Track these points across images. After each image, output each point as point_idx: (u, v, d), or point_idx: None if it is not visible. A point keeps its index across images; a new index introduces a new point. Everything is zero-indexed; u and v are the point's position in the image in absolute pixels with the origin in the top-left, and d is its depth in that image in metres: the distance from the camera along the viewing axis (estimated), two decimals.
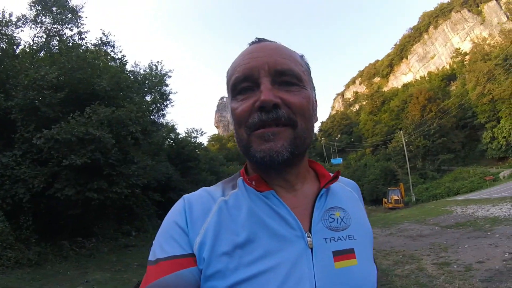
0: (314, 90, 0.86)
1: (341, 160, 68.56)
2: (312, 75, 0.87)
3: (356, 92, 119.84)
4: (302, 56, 0.85)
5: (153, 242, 0.75)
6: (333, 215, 0.79)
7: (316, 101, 0.88)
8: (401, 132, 45.95)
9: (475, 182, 32.67)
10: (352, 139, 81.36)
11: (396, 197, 33.58)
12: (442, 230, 12.49)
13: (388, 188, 37.68)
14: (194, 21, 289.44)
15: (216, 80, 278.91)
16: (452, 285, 5.70)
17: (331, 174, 0.86)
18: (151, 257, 0.72)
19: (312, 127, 0.83)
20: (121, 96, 13.18)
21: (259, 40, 0.80)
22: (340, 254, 0.74)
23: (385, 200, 35.91)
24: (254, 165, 0.81)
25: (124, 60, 17.22)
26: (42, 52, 16.91)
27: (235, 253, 0.70)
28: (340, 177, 0.89)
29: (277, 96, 0.72)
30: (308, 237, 0.73)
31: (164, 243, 0.72)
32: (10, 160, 10.43)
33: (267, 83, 0.73)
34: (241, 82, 0.75)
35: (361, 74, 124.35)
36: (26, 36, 27.11)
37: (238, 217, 0.75)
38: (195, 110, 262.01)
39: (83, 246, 12.17)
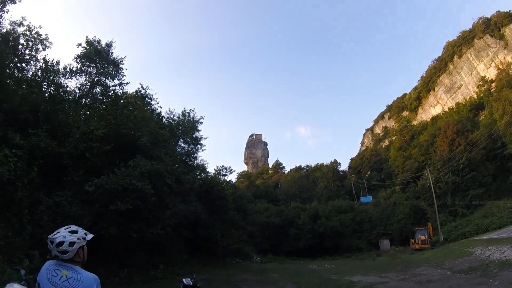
0: None
1: (371, 199, 67.62)
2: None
3: (385, 127, 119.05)
4: None
5: None
6: None
7: None
8: (428, 170, 45.50)
9: (504, 218, 31.74)
10: (382, 176, 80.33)
11: (423, 238, 33.16)
12: (452, 275, 13.08)
13: (416, 228, 37.19)
14: (221, 57, 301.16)
15: (246, 116, 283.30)
16: None
17: None
18: None
19: None
20: (159, 149, 15.22)
21: None
22: None
23: (412, 240, 35.45)
24: None
25: (160, 116, 19.48)
26: (88, 99, 19.43)
27: None
28: None
29: None
30: None
31: None
32: (62, 199, 12.36)
33: None
34: None
35: (389, 108, 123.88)
36: (72, 84, 30.15)
37: None
38: (225, 146, 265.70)
39: (117, 275, 13.63)
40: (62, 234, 2.65)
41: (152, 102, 21.88)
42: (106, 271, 13.30)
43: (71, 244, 2.62)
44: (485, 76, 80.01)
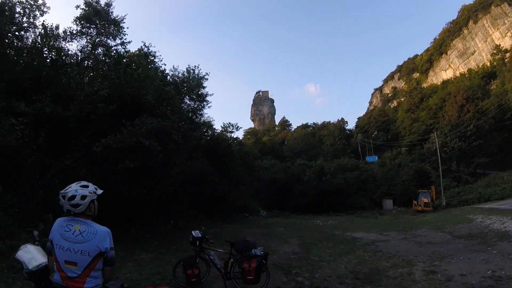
0: None
1: (376, 158, 67.94)
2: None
3: (395, 88, 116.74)
4: None
5: None
6: None
7: None
8: (435, 134, 45.09)
9: (507, 189, 31.96)
10: (389, 137, 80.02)
11: (426, 200, 33.71)
12: (451, 239, 13.36)
13: (419, 191, 37.68)
14: (228, 15, 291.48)
15: (252, 73, 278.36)
16: None
17: None
18: None
19: None
20: (165, 106, 15.09)
21: None
22: None
23: (415, 202, 36.07)
24: None
25: (165, 73, 19.10)
26: (90, 61, 19.09)
27: None
28: None
29: None
30: None
31: None
32: (71, 162, 12.51)
33: None
34: None
35: (400, 69, 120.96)
36: (74, 47, 29.39)
37: None
38: (233, 103, 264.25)
39: (129, 231, 14.14)
40: (74, 188, 2.81)
41: (156, 60, 21.23)
42: (119, 228, 13.78)
43: (83, 197, 2.75)
44: (499, 45, 77.00)
